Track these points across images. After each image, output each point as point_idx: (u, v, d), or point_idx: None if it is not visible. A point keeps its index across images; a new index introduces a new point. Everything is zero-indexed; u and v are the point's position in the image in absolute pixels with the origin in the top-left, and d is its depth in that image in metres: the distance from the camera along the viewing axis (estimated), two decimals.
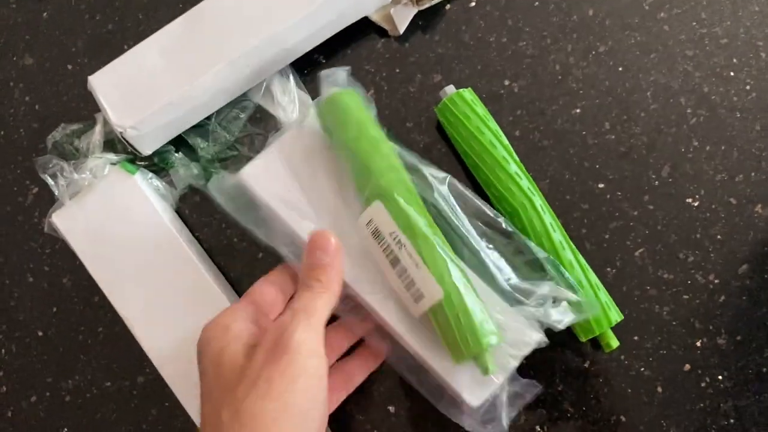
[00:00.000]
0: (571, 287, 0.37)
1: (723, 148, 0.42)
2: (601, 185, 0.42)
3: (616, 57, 0.44)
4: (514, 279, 0.36)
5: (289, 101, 0.43)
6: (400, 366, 0.38)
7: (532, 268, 0.37)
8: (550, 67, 0.44)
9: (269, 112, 0.44)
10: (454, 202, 0.38)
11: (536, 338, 0.36)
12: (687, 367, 0.39)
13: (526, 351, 0.36)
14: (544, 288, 0.36)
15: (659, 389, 0.39)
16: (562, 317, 0.35)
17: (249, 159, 0.41)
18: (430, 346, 0.37)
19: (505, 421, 0.35)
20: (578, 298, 0.36)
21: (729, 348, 0.39)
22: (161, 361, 0.39)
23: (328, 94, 0.39)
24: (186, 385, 0.39)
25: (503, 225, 0.37)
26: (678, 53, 0.43)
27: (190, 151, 0.44)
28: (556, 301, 0.36)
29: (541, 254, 0.37)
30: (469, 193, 0.38)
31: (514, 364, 0.36)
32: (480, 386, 0.36)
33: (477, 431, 0.36)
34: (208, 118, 0.44)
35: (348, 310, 0.39)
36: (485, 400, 0.36)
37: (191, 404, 0.38)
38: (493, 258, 0.37)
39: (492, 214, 0.38)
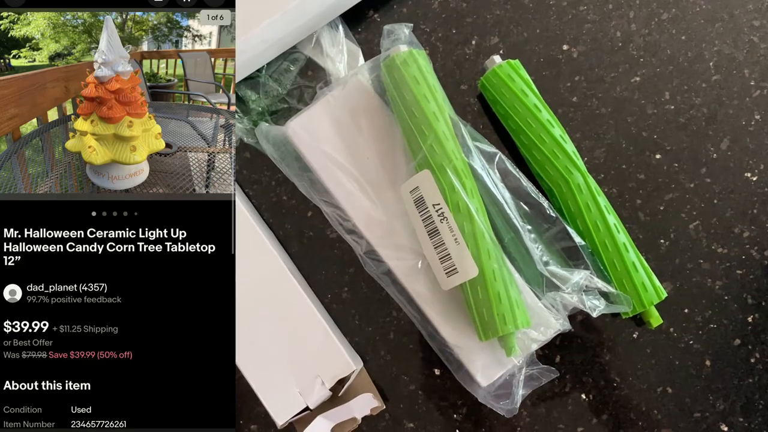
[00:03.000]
0: (606, 279, 0.37)
1: None
2: (658, 156, 0.41)
3: (680, 25, 0.43)
4: (552, 264, 0.36)
5: (337, 52, 0.43)
6: (424, 332, 0.39)
7: (569, 255, 0.37)
8: (610, 33, 0.43)
9: (319, 64, 0.43)
10: (501, 180, 0.38)
11: (558, 325, 0.36)
12: (737, 341, 0.39)
13: (549, 336, 0.36)
14: (580, 276, 0.36)
15: (707, 362, 0.39)
16: (596, 305, 0.36)
17: (298, 112, 0.41)
18: (449, 321, 0.38)
19: (518, 400, 0.36)
20: (612, 290, 0.36)
21: None
22: None
23: (399, 51, 0.38)
24: (242, 344, 0.39)
25: (547, 209, 0.37)
26: (744, 23, 0.42)
27: (241, 104, 0.43)
28: (589, 290, 0.36)
29: (580, 242, 0.37)
30: (516, 173, 0.38)
31: (535, 347, 0.37)
32: (491, 367, 0.37)
33: (489, 404, 0.36)
34: (259, 70, 0.43)
35: (345, 231, 0.40)
36: (495, 380, 0.36)
37: (246, 364, 0.38)
38: (532, 241, 0.37)
39: (536, 197, 0.37)
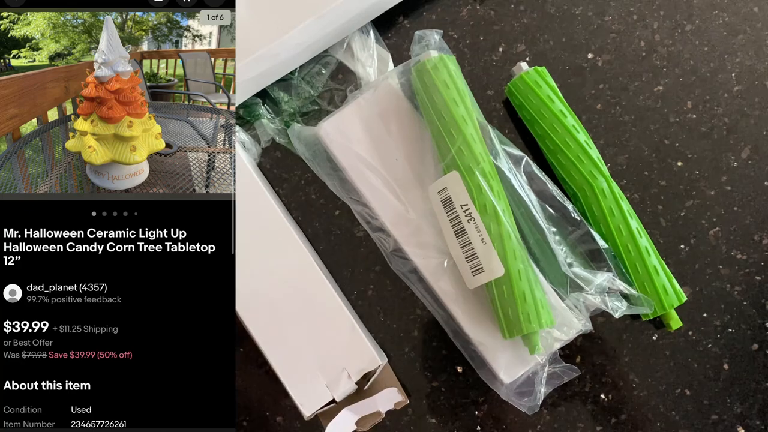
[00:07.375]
0: (628, 281, 0.38)
1: None
2: (679, 163, 0.42)
3: (703, 36, 0.44)
4: (576, 266, 0.37)
5: (368, 57, 0.44)
6: (448, 329, 0.40)
7: (592, 257, 0.38)
8: (634, 43, 0.44)
9: (350, 68, 0.45)
10: (527, 183, 0.39)
11: (581, 325, 0.38)
12: (755, 347, 0.40)
13: (572, 336, 0.37)
14: (603, 278, 0.37)
15: (725, 366, 0.40)
16: (619, 306, 0.37)
17: (329, 114, 0.42)
18: (473, 319, 0.39)
19: (540, 398, 0.37)
20: (634, 292, 0.37)
21: None
22: (245, 308, 0.40)
23: (430, 56, 0.39)
24: (265, 330, 0.40)
25: (571, 213, 0.38)
26: (766, 36, 0.43)
27: (273, 105, 0.45)
28: (612, 292, 0.37)
29: (603, 245, 0.38)
30: (542, 176, 0.39)
31: (558, 346, 0.37)
32: (514, 365, 0.38)
33: (512, 401, 0.37)
34: (292, 72, 0.44)
35: (373, 229, 0.41)
36: (517, 378, 0.37)
37: (274, 357, 0.39)
38: (557, 243, 0.38)
39: (561, 201, 0.38)
